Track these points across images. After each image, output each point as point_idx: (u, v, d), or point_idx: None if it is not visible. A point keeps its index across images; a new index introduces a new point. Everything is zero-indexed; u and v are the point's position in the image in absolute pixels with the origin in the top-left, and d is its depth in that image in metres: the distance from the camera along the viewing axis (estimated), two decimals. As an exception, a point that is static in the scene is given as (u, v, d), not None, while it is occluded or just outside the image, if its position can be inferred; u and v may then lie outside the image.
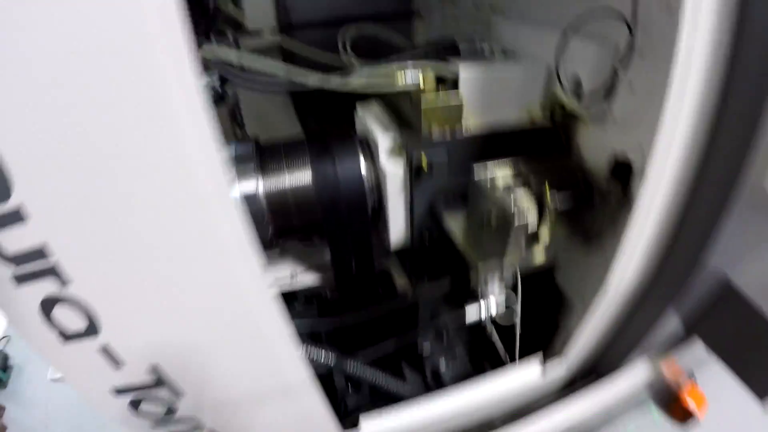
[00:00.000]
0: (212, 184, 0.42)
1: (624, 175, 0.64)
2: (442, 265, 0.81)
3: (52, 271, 0.42)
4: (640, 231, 0.67)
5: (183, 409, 0.62)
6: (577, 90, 0.68)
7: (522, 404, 0.92)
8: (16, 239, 0.40)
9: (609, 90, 0.63)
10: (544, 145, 0.73)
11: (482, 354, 0.99)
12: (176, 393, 0.58)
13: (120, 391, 0.56)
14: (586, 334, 0.84)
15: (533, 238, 0.64)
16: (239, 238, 0.46)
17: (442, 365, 0.96)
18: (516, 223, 0.59)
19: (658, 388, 1.63)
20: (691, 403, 1.60)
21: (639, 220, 0.65)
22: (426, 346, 0.96)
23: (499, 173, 0.67)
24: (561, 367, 0.87)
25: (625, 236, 0.67)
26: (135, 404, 0.59)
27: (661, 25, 0.53)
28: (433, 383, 0.97)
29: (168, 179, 0.40)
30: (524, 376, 0.86)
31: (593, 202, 0.66)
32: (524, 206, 0.61)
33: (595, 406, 0.88)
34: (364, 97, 0.77)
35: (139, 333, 0.51)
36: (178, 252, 0.45)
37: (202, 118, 0.38)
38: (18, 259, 0.41)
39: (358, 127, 0.83)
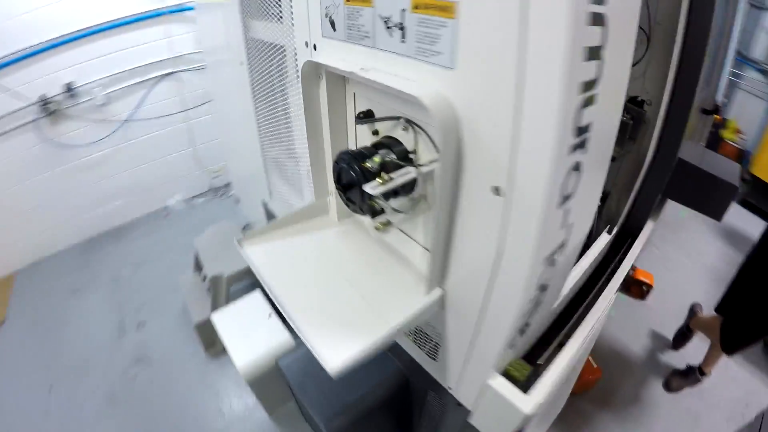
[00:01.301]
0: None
1: (638, 105, 1.26)
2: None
3: (584, 144, 0.61)
4: (655, 135, 1.28)
5: (549, 272, 0.76)
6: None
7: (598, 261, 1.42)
8: (588, 114, 0.58)
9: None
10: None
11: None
12: (562, 249, 0.75)
13: (548, 258, 0.70)
14: (627, 207, 1.42)
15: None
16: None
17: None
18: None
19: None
20: (643, 279, 2.39)
21: (651, 129, 1.26)
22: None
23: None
24: (614, 230, 1.42)
25: (651, 137, 1.27)
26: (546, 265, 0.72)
27: (659, 33, 1.15)
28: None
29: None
30: (604, 240, 1.37)
31: (633, 116, 1.25)
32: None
33: (640, 245, 1.45)
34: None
35: (587, 197, 0.74)
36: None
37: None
38: (581, 130, 0.59)
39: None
